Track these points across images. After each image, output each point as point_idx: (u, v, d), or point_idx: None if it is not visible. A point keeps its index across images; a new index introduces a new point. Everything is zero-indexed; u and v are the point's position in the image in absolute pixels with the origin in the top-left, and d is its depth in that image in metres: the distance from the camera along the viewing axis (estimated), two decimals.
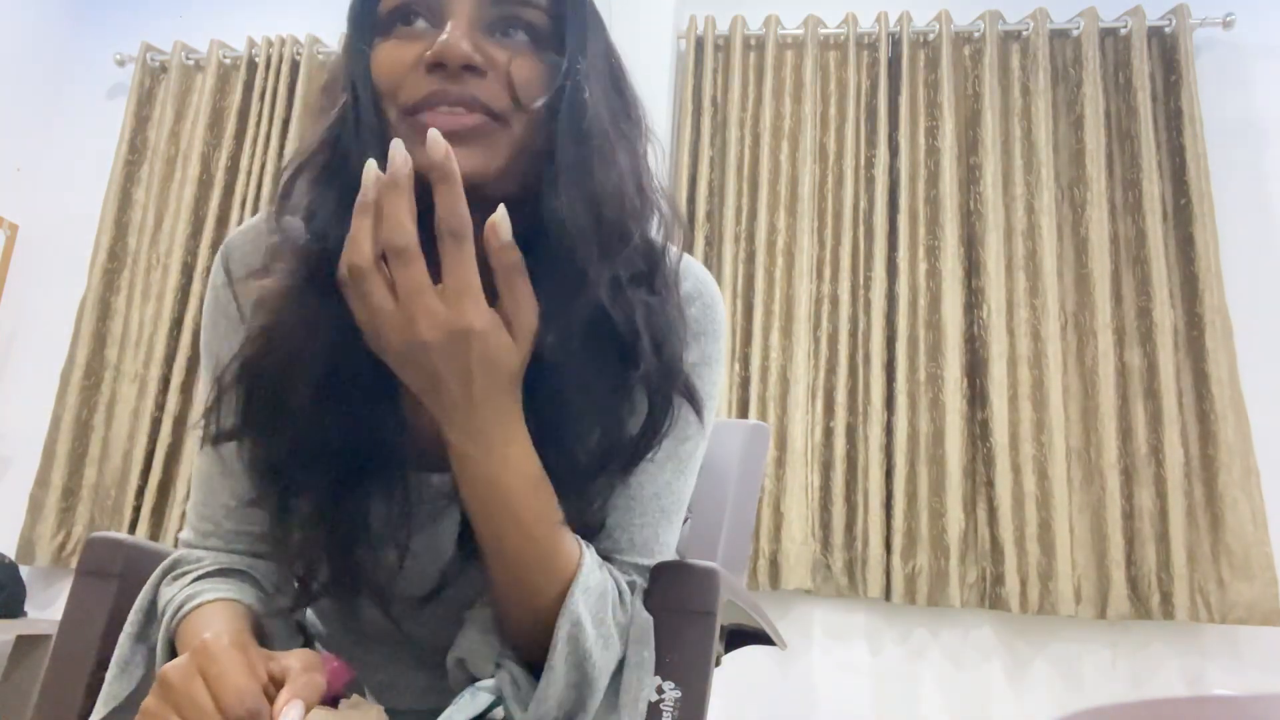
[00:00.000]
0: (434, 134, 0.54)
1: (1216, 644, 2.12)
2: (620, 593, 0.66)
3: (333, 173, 0.62)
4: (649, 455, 0.65)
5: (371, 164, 0.55)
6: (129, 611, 0.84)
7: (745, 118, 2.55)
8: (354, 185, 0.56)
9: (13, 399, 2.77)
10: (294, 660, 0.57)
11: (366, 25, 0.63)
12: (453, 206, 0.54)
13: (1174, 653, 2.13)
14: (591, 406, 0.62)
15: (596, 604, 0.62)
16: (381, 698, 0.75)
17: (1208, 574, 2.08)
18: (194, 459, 0.75)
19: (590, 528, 0.66)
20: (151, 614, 0.71)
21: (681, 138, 2.53)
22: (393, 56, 0.60)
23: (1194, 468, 2.15)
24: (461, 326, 0.54)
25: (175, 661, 0.56)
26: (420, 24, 0.61)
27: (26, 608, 2.47)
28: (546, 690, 0.60)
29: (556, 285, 0.59)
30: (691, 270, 0.71)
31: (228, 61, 2.85)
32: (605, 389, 0.62)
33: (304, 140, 0.65)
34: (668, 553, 0.71)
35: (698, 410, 0.67)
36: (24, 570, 2.49)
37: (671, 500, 0.70)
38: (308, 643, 0.79)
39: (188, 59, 2.89)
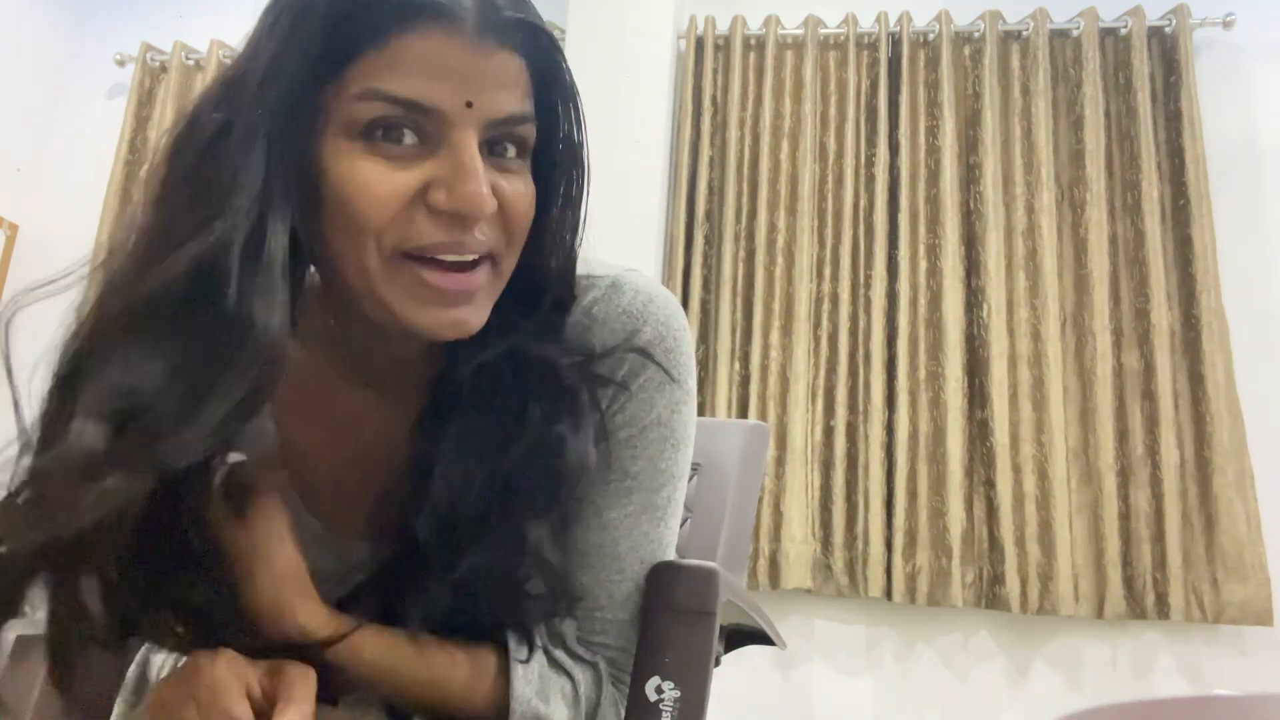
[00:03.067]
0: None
1: (1217, 644, 2.12)
2: (575, 685, 0.64)
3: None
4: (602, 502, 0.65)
5: None
6: None
7: (745, 117, 2.55)
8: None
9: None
10: (290, 673, 0.55)
11: (316, 115, 0.50)
12: None
13: (1173, 653, 2.13)
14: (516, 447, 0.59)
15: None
16: None
17: (1202, 575, 2.08)
18: None
19: (551, 579, 0.63)
20: (141, 689, 0.71)
21: (681, 137, 2.53)
22: (381, 183, 0.50)
23: (1189, 469, 2.15)
24: None
25: (170, 679, 0.55)
26: (409, 140, 0.51)
27: (26, 608, 2.47)
28: None
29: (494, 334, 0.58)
30: (652, 309, 0.65)
31: (228, 61, 2.84)
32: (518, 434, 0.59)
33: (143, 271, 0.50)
34: None
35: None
36: None
37: (651, 550, 0.67)
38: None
39: (188, 59, 2.88)
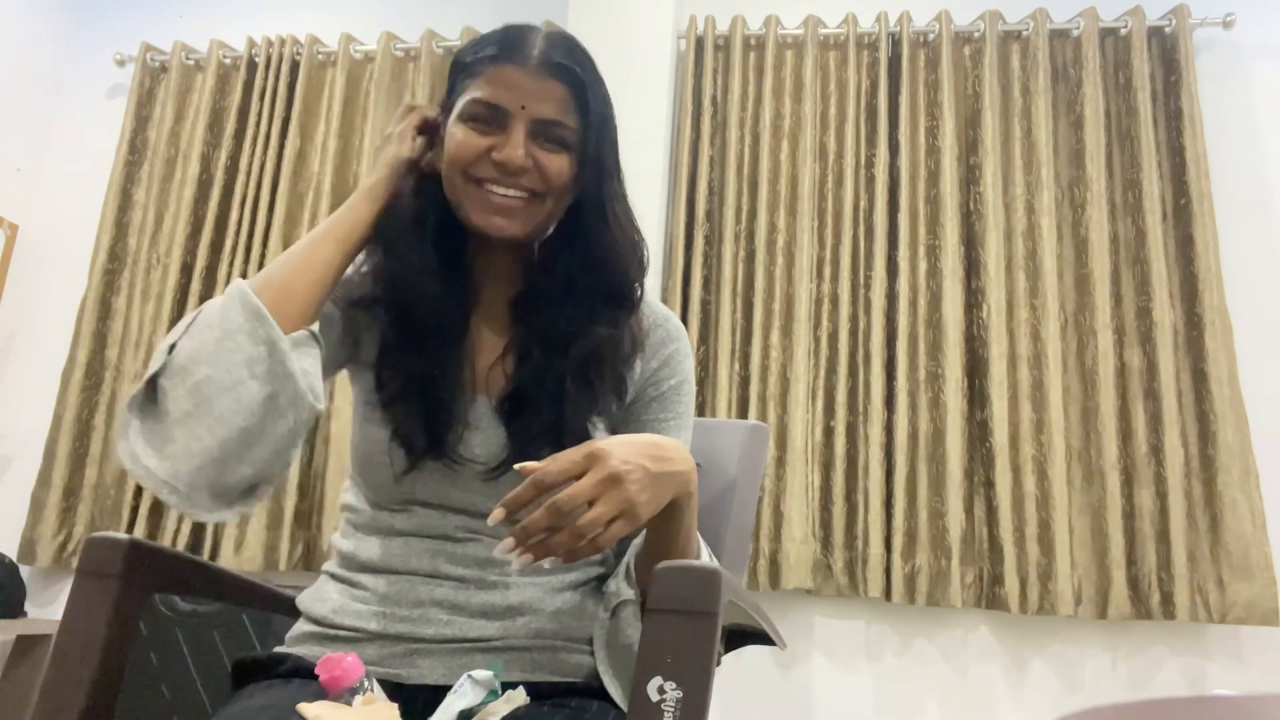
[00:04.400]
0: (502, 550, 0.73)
1: (1216, 644, 2.12)
2: None
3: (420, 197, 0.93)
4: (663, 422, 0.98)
5: None
6: (128, 611, 0.84)
7: (745, 117, 2.55)
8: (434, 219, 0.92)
9: (13, 399, 2.77)
10: None
11: (453, 109, 0.90)
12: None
13: (1173, 653, 2.13)
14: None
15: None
16: (407, 627, 0.86)
17: (1207, 574, 2.08)
18: None
19: None
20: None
21: (681, 137, 2.53)
22: (470, 141, 0.87)
23: (1194, 468, 2.15)
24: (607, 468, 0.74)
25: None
26: (489, 124, 0.87)
27: (26, 608, 2.47)
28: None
29: (560, 302, 0.92)
30: (672, 315, 1.03)
31: (228, 61, 2.85)
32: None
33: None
34: None
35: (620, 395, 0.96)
36: (24, 570, 2.49)
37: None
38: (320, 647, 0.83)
39: (188, 59, 2.88)
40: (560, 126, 0.87)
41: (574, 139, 0.88)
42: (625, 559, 0.89)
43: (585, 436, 0.88)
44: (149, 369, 0.77)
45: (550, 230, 0.93)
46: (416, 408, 0.88)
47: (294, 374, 0.77)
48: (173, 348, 0.77)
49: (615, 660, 0.85)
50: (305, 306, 0.81)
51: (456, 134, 0.88)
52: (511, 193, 0.87)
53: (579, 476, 0.72)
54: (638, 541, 0.89)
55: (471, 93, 0.88)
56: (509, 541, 0.71)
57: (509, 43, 0.87)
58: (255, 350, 0.75)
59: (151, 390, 0.77)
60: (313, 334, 0.82)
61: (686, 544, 0.83)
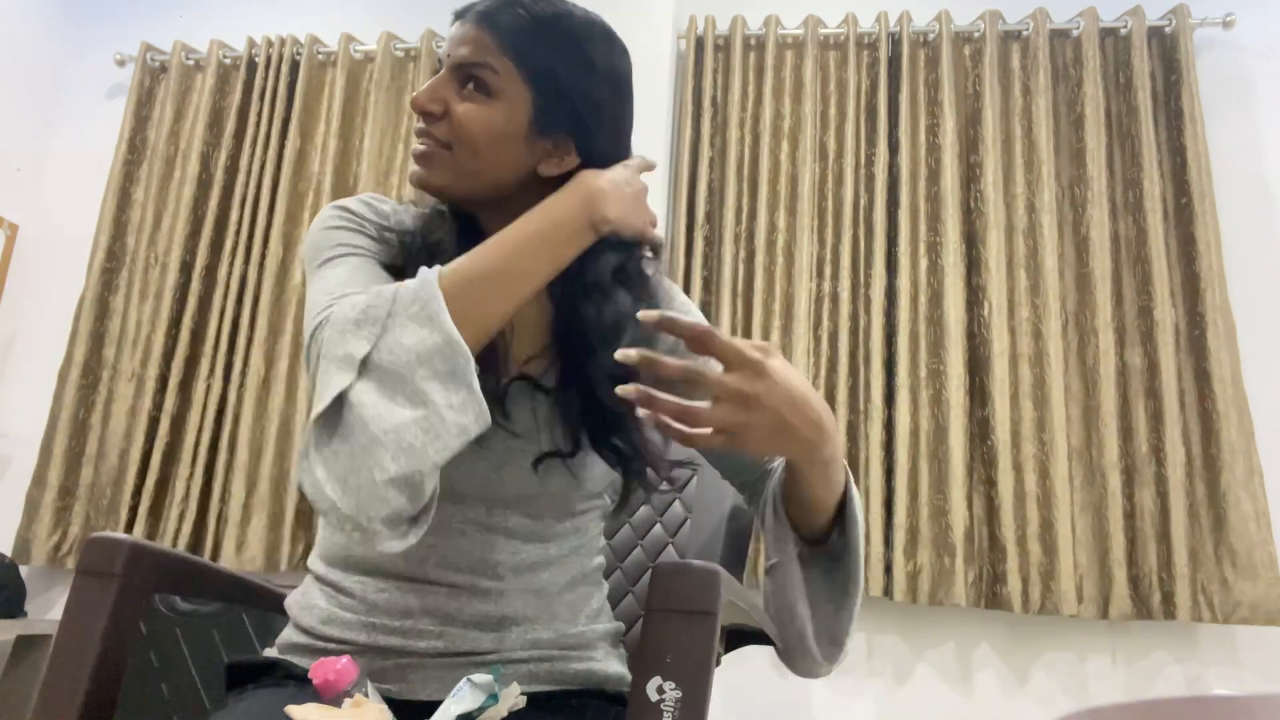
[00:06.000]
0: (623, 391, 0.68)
1: (1219, 645, 2.12)
2: None
3: None
4: None
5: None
6: (128, 611, 0.84)
7: (745, 117, 2.55)
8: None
9: (13, 399, 2.77)
10: None
11: None
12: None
13: (1176, 653, 2.13)
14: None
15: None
16: (400, 643, 0.82)
17: (1210, 574, 2.07)
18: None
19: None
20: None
21: (681, 138, 2.53)
22: None
23: (1196, 467, 2.15)
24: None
25: None
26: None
27: (26, 608, 2.47)
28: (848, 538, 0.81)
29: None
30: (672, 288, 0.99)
31: (228, 61, 2.85)
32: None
33: None
34: None
35: None
36: (22, 570, 2.49)
37: None
38: (320, 651, 0.82)
39: (188, 59, 2.88)
40: (479, 68, 0.81)
41: (506, 85, 0.81)
42: (769, 487, 0.88)
43: (619, 418, 0.83)
44: (333, 386, 0.68)
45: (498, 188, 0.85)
46: None
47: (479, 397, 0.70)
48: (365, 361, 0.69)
49: (784, 622, 0.84)
50: (494, 325, 0.75)
51: None
52: (422, 139, 0.84)
53: (731, 364, 0.67)
54: (780, 474, 0.86)
55: None
56: (631, 352, 0.67)
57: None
58: (452, 387, 0.69)
59: (336, 405, 0.68)
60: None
61: (826, 488, 0.78)
